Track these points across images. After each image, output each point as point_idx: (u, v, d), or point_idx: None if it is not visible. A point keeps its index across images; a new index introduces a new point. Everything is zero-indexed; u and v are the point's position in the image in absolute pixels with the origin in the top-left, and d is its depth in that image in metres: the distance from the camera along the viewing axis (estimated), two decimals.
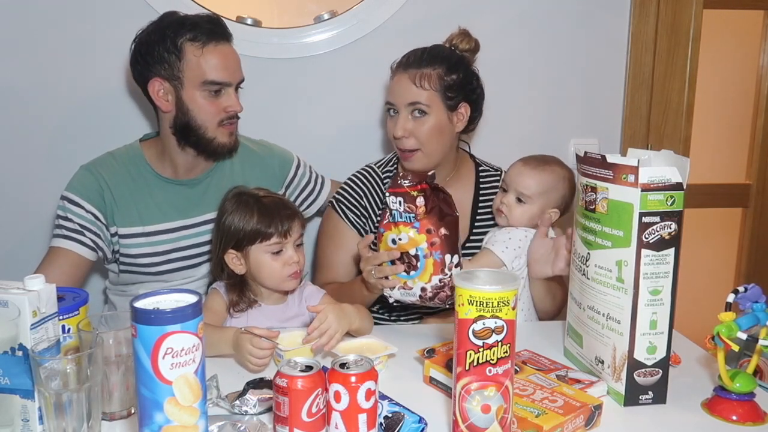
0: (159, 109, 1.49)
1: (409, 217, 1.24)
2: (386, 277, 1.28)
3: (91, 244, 1.48)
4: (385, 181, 1.61)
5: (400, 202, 1.24)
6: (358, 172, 1.65)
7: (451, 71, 1.50)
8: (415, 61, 1.50)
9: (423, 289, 1.26)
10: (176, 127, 1.48)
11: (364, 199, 1.60)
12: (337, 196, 1.63)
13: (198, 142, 1.48)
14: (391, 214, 1.26)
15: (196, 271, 1.57)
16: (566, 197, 1.47)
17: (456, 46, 1.55)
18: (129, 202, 1.50)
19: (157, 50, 1.43)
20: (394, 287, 1.29)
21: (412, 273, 1.26)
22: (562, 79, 2.00)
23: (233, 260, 1.33)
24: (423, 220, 1.23)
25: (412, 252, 1.25)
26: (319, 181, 1.75)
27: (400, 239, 1.25)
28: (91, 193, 1.48)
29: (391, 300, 1.32)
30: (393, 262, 1.27)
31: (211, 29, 1.44)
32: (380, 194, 1.61)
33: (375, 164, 1.65)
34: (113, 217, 1.49)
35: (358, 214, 1.59)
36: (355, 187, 1.61)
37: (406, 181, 1.24)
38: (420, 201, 1.23)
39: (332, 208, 1.62)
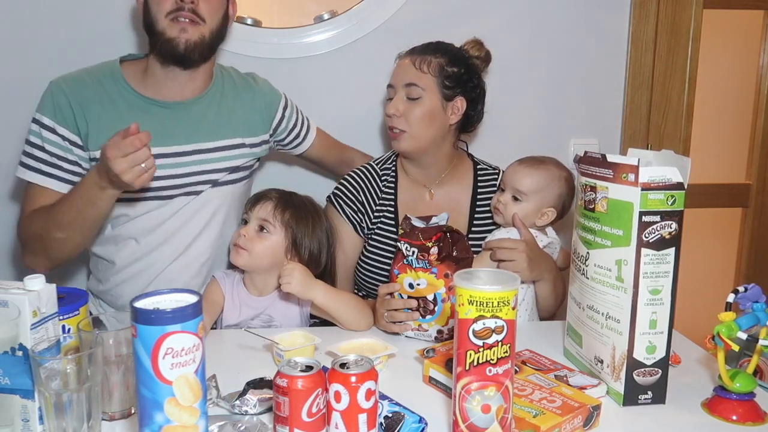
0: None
1: (425, 263, 1.28)
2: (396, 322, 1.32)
3: (70, 178, 1.40)
4: (383, 178, 1.63)
5: (413, 252, 1.29)
6: (357, 168, 1.66)
7: (453, 64, 1.54)
8: (420, 48, 1.56)
9: (440, 332, 1.29)
10: (144, 29, 1.43)
11: (362, 194, 1.61)
12: (335, 191, 1.64)
13: (155, 40, 1.40)
14: (406, 259, 1.30)
15: (174, 202, 1.48)
16: (563, 196, 1.48)
17: (467, 51, 1.59)
18: (105, 124, 1.39)
19: None
20: (405, 331, 1.32)
21: (429, 317, 1.29)
22: (562, 78, 2.00)
23: None
24: (440, 265, 1.27)
25: (430, 297, 1.28)
26: (306, 123, 1.72)
27: (418, 284, 1.28)
28: (66, 116, 1.38)
29: (402, 336, 1.33)
30: (408, 306, 1.30)
31: None
32: (377, 191, 1.62)
33: (374, 161, 1.67)
34: (88, 141, 1.40)
35: (355, 209, 1.60)
36: (353, 182, 1.62)
37: (421, 234, 1.29)
38: (434, 250, 1.28)
39: (330, 203, 1.63)
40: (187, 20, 1.38)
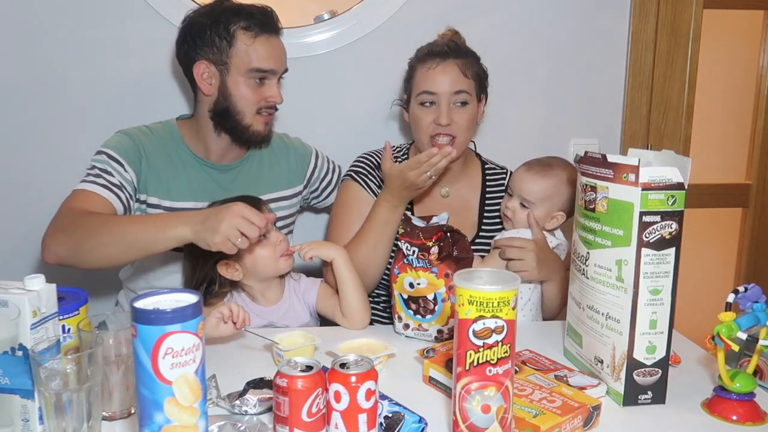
0: (200, 92, 1.52)
1: (425, 263, 1.28)
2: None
3: (126, 204, 1.45)
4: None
5: (414, 251, 1.29)
6: (370, 152, 1.66)
7: (478, 63, 1.55)
8: (453, 50, 1.53)
9: (440, 332, 1.29)
10: (215, 111, 1.51)
11: (375, 177, 1.62)
12: (355, 169, 1.64)
13: (234, 128, 1.51)
14: (406, 258, 1.29)
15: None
16: (572, 200, 1.46)
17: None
18: (162, 175, 1.51)
19: (208, 34, 1.46)
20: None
21: (428, 317, 1.28)
22: (562, 79, 2.00)
23: (227, 270, 1.36)
24: (440, 265, 1.27)
25: (430, 296, 1.27)
26: (336, 170, 1.79)
27: (418, 284, 1.28)
28: (132, 158, 1.47)
29: (402, 336, 1.33)
30: (408, 306, 1.31)
31: (265, 21, 1.48)
32: None
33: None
34: (146, 185, 1.49)
35: (377, 184, 1.60)
36: (371, 161, 1.63)
37: (421, 233, 1.28)
38: (434, 250, 1.28)
39: (352, 180, 1.62)
40: (271, 115, 1.54)
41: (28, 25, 1.77)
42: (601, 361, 1.09)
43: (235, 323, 1.18)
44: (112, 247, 1.28)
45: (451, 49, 1.53)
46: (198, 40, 1.47)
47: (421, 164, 1.37)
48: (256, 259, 1.36)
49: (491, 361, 0.83)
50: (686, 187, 1.01)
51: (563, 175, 1.46)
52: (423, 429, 0.92)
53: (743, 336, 0.98)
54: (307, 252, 1.36)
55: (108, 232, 1.28)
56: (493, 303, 0.81)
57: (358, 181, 1.61)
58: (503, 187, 1.63)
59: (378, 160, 1.64)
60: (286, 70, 1.56)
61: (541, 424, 0.90)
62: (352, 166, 1.66)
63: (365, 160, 1.64)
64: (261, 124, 1.52)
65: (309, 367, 0.85)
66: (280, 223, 1.61)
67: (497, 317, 0.82)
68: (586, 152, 1.12)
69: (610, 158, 1.05)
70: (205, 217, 1.20)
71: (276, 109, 1.56)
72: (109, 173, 1.43)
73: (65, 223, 1.33)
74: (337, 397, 0.84)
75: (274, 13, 1.52)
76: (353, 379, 0.83)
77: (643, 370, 1.04)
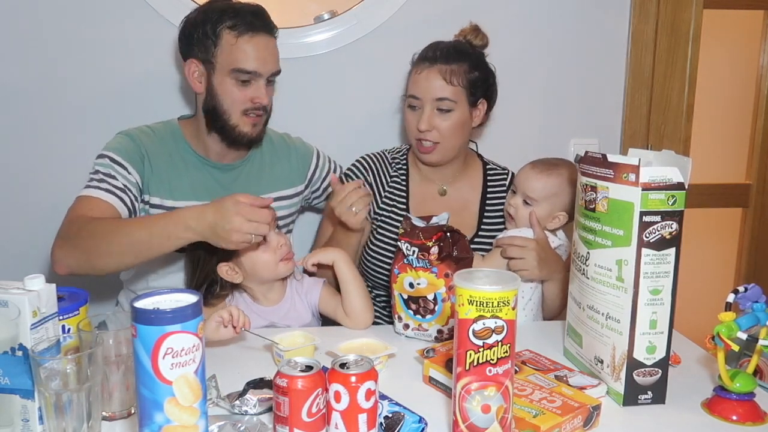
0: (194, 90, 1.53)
1: (425, 263, 1.28)
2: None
3: (131, 207, 1.45)
4: (393, 167, 1.64)
5: (414, 251, 1.28)
6: (369, 153, 1.67)
7: (474, 68, 1.53)
8: (443, 56, 1.52)
9: (440, 332, 1.29)
10: (205, 110, 1.51)
11: (371, 176, 1.63)
12: (347, 173, 1.66)
13: (222, 127, 1.51)
14: (406, 258, 1.29)
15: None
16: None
17: (470, 41, 1.57)
18: (164, 175, 1.51)
19: (197, 32, 1.47)
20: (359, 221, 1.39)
21: (428, 317, 1.28)
22: (562, 78, 2.00)
23: (228, 272, 1.35)
24: (440, 265, 1.27)
25: (430, 296, 1.27)
26: (337, 170, 1.78)
27: (418, 284, 1.28)
28: (134, 159, 1.47)
29: (402, 337, 1.33)
30: (408, 306, 1.31)
31: (252, 20, 1.46)
32: (386, 177, 1.64)
33: (386, 150, 1.69)
34: (149, 186, 1.49)
35: (369, 186, 1.61)
36: (365, 164, 1.65)
37: (421, 233, 1.28)
38: (434, 250, 1.28)
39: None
40: (259, 116, 1.51)
41: (28, 25, 1.77)
42: (601, 361, 1.09)
43: (234, 327, 1.18)
44: (123, 255, 1.29)
45: (442, 54, 1.52)
46: (190, 38, 1.48)
47: (338, 195, 1.40)
48: (256, 262, 1.35)
49: (491, 361, 0.83)
50: (686, 187, 1.01)
51: (568, 176, 1.46)
52: (423, 429, 0.92)
53: (743, 336, 0.98)
54: (309, 260, 1.38)
55: (115, 241, 1.28)
56: (493, 303, 0.81)
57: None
58: (504, 188, 1.63)
59: (374, 162, 1.64)
60: (278, 72, 1.54)
61: (541, 424, 0.90)
62: (347, 169, 1.68)
63: (359, 164, 1.65)
64: (248, 126, 1.50)
65: (309, 367, 0.85)
66: (280, 223, 1.61)
67: (497, 317, 0.82)
68: (586, 152, 1.12)
69: (611, 158, 1.05)
70: (210, 225, 1.19)
71: (265, 111, 1.53)
72: (113, 177, 1.43)
73: (72, 232, 1.33)
74: (337, 397, 0.84)
75: (265, 13, 1.50)
76: (353, 379, 0.83)
77: (643, 370, 1.04)
